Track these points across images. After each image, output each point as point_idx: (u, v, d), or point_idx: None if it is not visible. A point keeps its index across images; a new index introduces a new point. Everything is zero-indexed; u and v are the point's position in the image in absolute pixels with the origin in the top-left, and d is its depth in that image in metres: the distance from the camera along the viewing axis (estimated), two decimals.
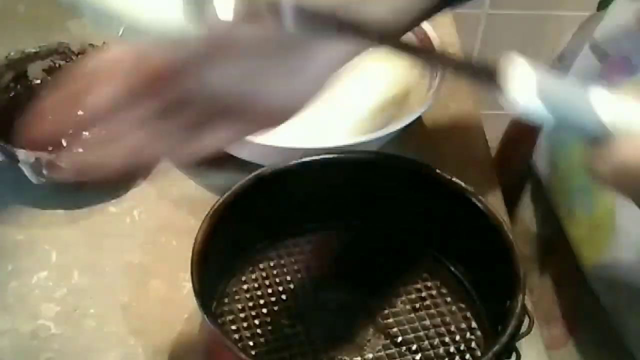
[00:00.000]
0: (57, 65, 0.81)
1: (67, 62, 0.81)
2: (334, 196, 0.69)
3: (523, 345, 0.62)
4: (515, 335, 0.58)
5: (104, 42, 0.81)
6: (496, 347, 0.55)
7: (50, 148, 0.76)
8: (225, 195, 0.64)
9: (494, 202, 0.78)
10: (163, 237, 0.72)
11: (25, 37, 0.89)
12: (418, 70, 0.82)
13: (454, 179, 0.66)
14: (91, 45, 0.82)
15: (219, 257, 0.63)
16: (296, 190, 0.68)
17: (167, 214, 0.74)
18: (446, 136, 0.84)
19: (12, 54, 0.79)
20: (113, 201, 0.75)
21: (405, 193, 0.68)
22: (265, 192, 0.66)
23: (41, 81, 0.80)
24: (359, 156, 0.69)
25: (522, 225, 0.84)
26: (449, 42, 0.93)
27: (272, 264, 0.68)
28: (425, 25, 0.84)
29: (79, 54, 0.81)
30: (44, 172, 0.72)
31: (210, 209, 0.62)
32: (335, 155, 0.68)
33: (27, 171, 0.73)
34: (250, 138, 0.71)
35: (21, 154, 0.71)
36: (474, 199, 0.65)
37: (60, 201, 0.74)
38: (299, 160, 0.67)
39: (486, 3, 1.64)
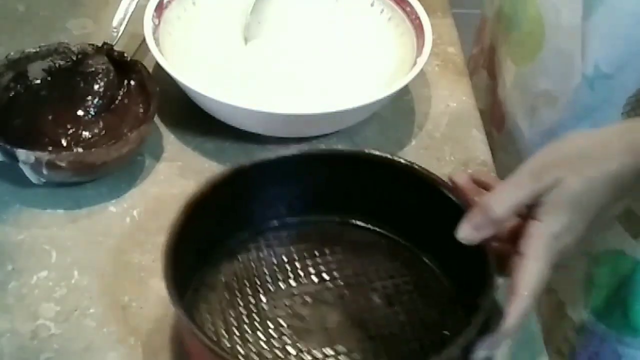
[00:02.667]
0: (57, 65, 0.81)
1: (67, 62, 0.81)
2: (313, 190, 0.70)
3: None
4: (485, 330, 0.58)
5: (104, 42, 0.82)
6: (461, 340, 0.56)
7: (50, 148, 0.77)
8: (202, 187, 0.65)
9: None
10: (163, 237, 0.72)
11: (25, 37, 0.89)
12: (407, 46, 0.84)
13: (432, 175, 0.67)
14: (91, 45, 0.82)
15: (195, 247, 0.64)
16: (276, 184, 0.69)
17: (167, 214, 0.74)
18: (446, 136, 0.84)
19: (12, 54, 0.79)
20: (113, 201, 0.75)
21: (383, 188, 0.69)
22: (244, 185, 0.67)
23: (41, 81, 0.80)
24: (337, 152, 0.70)
25: None
26: (449, 42, 0.93)
27: (250, 257, 0.69)
28: (426, 25, 0.84)
29: (79, 54, 0.81)
30: (44, 172, 0.72)
31: (185, 200, 0.63)
32: (313, 151, 0.70)
33: (27, 171, 0.73)
34: (230, 101, 0.73)
35: (21, 154, 0.71)
36: (449, 194, 0.65)
37: (60, 201, 0.74)
38: (279, 155, 0.68)
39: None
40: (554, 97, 0.80)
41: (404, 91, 0.85)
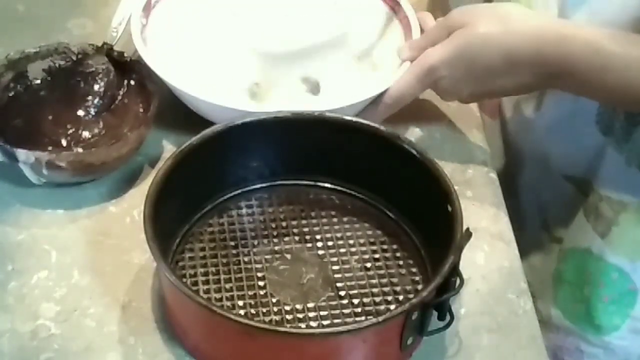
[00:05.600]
0: (57, 65, 0.81)
1: (67, 62, 0.81)
2: (305, 155, 0.73)
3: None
4: (442, 293, 0.60)
5: (104, 42, 0.82)
6: (415, 300, 0.58)
7: (50, 148, 0.77)
8: (194, 139, 0.68)
9: (494, 201, 0.78)
10: None
11: (25, 37, 0.89)
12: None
13: (411, 146, 0.69)
14: (91, 45, 0.82)
15: (182, 197, 0.67)
16: (266, 144, 0.71)
17: None
18: (446, 136, 0.84)
19: (12, 54, 0.79)
20: (113, 201, 0.75)
21: (375, 159, 0.71)
22: (234, 141, 0.70)
23: (41, 81, 0.80)
24: (328, 117, 0.71)
25: None
26: None
27: (239, 213, 0.72)
28: (413, 24, 0.84)
29: (79, 54, 0.81)
30: (44, 172, 0.72)
31: (177, 149, 0.67)
32: (304, 114, 0.71)
33: (27, 171, 0.73)
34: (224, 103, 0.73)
35: (21, 154, 0.71)
36: (429, 164, 0.68)
37: (60, 201, 0.74)
38: (272, 115, 0.70)
39: None
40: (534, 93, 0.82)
41: None
